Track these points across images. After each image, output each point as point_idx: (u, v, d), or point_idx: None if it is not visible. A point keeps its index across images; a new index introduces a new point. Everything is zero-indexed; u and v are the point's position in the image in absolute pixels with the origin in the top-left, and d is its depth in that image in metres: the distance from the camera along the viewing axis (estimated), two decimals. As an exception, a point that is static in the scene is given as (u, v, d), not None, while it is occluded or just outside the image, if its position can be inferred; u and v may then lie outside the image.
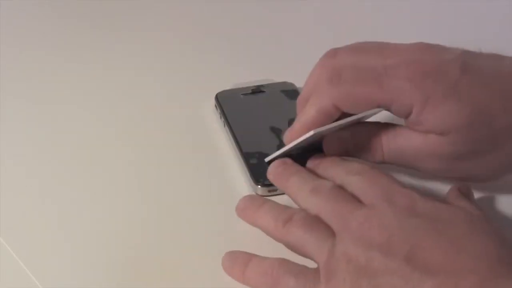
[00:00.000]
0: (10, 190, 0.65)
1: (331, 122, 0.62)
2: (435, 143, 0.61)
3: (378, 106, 0.62)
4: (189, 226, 0.63)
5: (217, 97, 0.72)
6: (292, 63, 0.68)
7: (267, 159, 0.66)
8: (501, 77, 0.61)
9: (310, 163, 0.63)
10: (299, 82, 0.71)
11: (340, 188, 0.58)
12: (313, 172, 0.62)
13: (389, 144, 0.63)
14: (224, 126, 0.70)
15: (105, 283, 0.58)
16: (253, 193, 0.65)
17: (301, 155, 0.64)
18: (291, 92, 0.73)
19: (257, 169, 0.66)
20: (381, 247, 0.53)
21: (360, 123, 0.64)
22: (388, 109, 0.62)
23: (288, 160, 0.62)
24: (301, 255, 0.57)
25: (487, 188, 0.66)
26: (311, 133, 0.61)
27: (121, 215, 0.63)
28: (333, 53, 0.64)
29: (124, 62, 0.78)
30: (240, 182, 0.66)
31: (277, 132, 0.69)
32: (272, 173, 0.62)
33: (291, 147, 0.64)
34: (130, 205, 0.64)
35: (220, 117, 0.71)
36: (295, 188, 0.60)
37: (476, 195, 0.64)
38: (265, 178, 0.63)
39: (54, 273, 0.59)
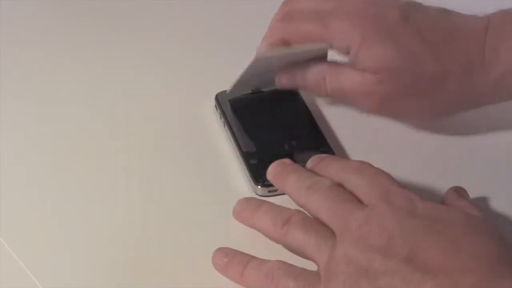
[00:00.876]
0: (10, 190, 0.65)
1: None
2: (370, 82, 0.67)
3: (321, 42, 0.68)
4: (189, 226, 0.63)
5: (217, 97, 0.72)
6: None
7: (228, 90, 0.71)
8: (437, 30, 0.67)
9: (310, 163, 0.63)
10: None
11: (339, 186, 0.58)
12: (312, 171, 0.62)
13: (331, 80, 0.69)
14: (224, 126, 0.70)
15: (105, 283, 0.58)
16: (253, 193, 0.65)
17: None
18: (290, 92, 0.73)
19: (257, 169, 0.66)
20: (381, 248, 0.53)
21: (309, 60, 0.69)
22: (331, 46, 0.68)
23: (287, 160, 0.62)
24: (301, 256, 0.57)
25: (487, 188, 0.66)
26: (255, 57, 0.67)
27: (121, 215, 0.63)
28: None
29: (124, 62, 0.78)
30: (240, 182, 0.66)
31: (277, 132, 0.69)
32: (271, 173, 0.62)
33: (244, 72, 0.69)
34: (130, 205, 0.64)
35: (220, 117, 0.71)
36: (293, 186, 0.60)
37: (475, 195, 0.64)
38: (265, 178, 0.63)
39: (54, 273, 0.59)
